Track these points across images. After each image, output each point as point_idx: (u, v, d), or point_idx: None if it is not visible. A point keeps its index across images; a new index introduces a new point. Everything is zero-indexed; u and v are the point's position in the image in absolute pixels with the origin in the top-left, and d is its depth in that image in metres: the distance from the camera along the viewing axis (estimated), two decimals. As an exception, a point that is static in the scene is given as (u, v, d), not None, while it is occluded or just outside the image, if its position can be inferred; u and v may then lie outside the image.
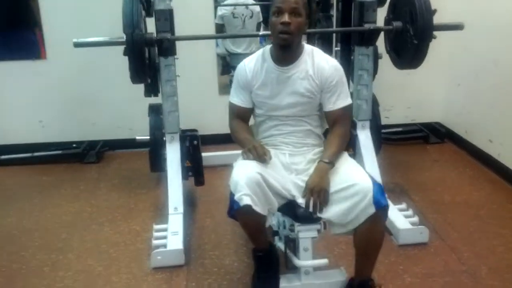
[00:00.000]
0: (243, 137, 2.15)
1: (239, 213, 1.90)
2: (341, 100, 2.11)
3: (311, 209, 1.94)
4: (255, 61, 2.15)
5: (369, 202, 1.87)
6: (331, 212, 1.96)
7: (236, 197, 1.86)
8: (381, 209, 1.89)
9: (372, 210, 1.87)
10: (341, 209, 1.93)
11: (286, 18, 1.97)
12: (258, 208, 1.86)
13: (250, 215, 1.88)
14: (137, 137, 3.35)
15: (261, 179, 1.89)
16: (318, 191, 1.93)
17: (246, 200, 1.84)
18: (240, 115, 2.21)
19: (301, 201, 1.98)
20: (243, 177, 1.87)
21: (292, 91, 2.10)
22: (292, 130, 2.17)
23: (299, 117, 2.16)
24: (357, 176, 1.95)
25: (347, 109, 2.15)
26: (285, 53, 2.07)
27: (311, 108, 2.15)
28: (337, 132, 2.12)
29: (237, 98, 2.19)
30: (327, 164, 2.00)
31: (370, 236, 1.95)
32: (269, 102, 2.15)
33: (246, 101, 2.18)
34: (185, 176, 2.98)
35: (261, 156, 1.97)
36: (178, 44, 2.88)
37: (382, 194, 1.91)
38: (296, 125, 2.17)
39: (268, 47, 2.16)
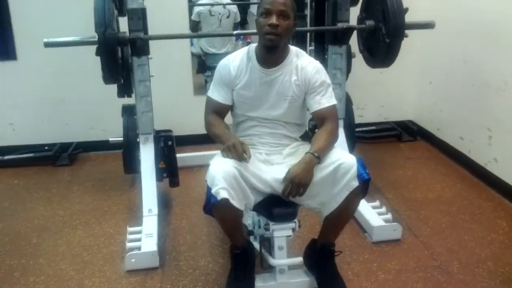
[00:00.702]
0: (221, 132, 2.11)
1: (216, 208, 1.89)
2: (326, 99, 2.10)
3: (286, 198, 1.96)
4: (239, 60, 2.13)
5: (353, 176, 1.91)
6: (315, 198, 2.01)
7: (213, 191, 1.85)
8: (364, 183, 1.93)
9: (355, 183, 1.92)
10: (324, 188, 1.96)
11: (274, 20, 1.96)
12: (235, 202, 1.87)
13: (227, 209, 1.88)
14: (111, 139, 3.31)
15: (238, 173, 1.90)
16: (298, 183, 1.91)
17: (223, 194, 1.83)
18: (218, 111, 2.18)
19: (278, 188, 1.99)
20: (220, 171, 1.87)
21: (274, 94, 2.10)
22: (269, 132, 2.17)
23: (277, 121, 2.15)
24: (339, 154, 1.99)
25: (334, 108, 2.12)
26: (271, 54, 2.06)
27: (292, 112, 2.15)
28: (327, 128, 2.08)
29: (217, 93, 2.16)
30: (315, 158, 1.95)
31: (346, 208, 1.99)
32: (250, 103, 2.14)
33: (226, 98, 2.16)
34: (159, 178, 2.95)
35: (241, 155, 1.95)
36: (152, 43, 2.86)
37: (364, 168, 1.96)
38: (274, 127, 2.17)
39: (253, 46, 2.14)
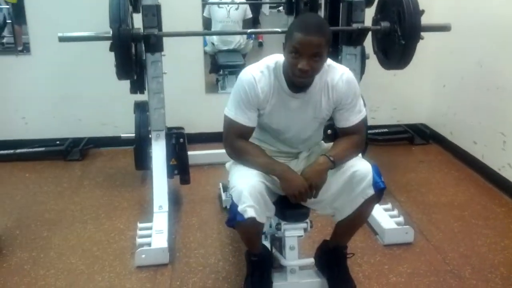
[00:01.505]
0: (263, 161, 1.92)
1: (242, 225, 1.83)
2: (355, 115, 1.96)
3: (299, 201, 1.90)
4: (267, 80, 1.90)
5: (368, 184, 1.88)
6: (330, 205, 1.98)
7: (240, 208, 1.78)
8: (380, 192, 1.90)
9: (371, 192, 1.88)
10: (339, 194, 1.93)
11: (304, 64, 1.75)
12: (260, 218, 1.82)
13: (252, 227, 1.85)
14: (122, 135, 3.31)
15: (264, 188, 1.84)
16: (310, 185, 1.85)
17: (250, 213, 1.77)
18: (244, 135, 1.96)
19: None
20: (247, 186, 1.80)
21: (306, 118, 1.97)
22: (290, 147, 2.09)
23: (301, 142, 2.08)
24: (354, 161, 1.94)
25: (362, 122, 2.00)
26: (301, 86, 1.90)
27: (319, 130, 2.09)
28: (350, 138, 1.97)
29: (242, 116, 1.91)
30: (330, 161, 1.87)
31: (360, 214, 1.96)
32: (276, 128, 2.01)
33: (252, 120, 1.94)
34: (170, 175, 2.95)
35: (310, 197, 1.87)
36: (166, 41, 2.86)
37: (380, 176, 1.91)
38: (296, 144, 2.08)
39: (280, 63, 1.91)
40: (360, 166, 1.90)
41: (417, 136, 4.25)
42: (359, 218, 1.99)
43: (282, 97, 1.92)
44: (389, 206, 2.90)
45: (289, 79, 1.88)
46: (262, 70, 1.91)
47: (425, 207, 3.05)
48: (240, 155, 1.96)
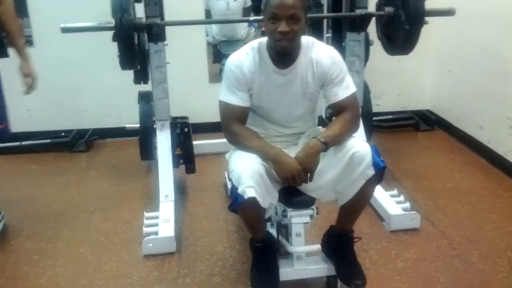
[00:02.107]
0: (258, 144, 1.93)
1: (243, 207, 1.82)
2: (343, 89, 1.97)
3: (294, 185, 1.88)
4: (252, 59, 1.96)
5: (368, 164, 1.87)
6: (332, 190, 1.97)
7: (240, 190, 1.78)
8: (380, 171, 1.89)
9: (371, 172, 1.88)
10: (339, 178, 1.92)
11: (284, 26, 1.81)
12: (261, 201, 1.81)
13: (254, 208, 1.83)
14: (127, 125, 3.31)
15: (264, 170, 1.84)
16: (303, 169, 1.83)
17: (250, 193, 1.77)
18: (240, 116, 1.97)
19: None
20: (247, 169, 1.80)
21: (294, 94, 1.99)
22: (287, 130, 2.10)
23: (293, 120, 2.09)
24: (353, 142, 1.93)
25: (352, 98, 2.00)
26: (285, 57, 1.93)
27: (311, 107, 2.09)
28: (343, 116, 1.97)
29: (235, 97, 1.95)
30: (321, 143, 1.86)
31: (362, 196, 1.95)
32: (267, 107, 2.03)
33: (245, 100, 1.97)
34: (176, 164, 2.96)
35: (306, 180, 1.85)
36: (168, 31, 2.85)
37: (379, 156, 1.90)
38: (292, 124, 2.10)
39: (263, 43, 1.97)
40: (359, 147, 1.89)
41: (423, 122, 4.24)
42: (361, 200, 1.99)
43: (269, 74, 1.96)
44: (395, 192, 2.90)
45: (273, 54, 1.93)
46: (247, 52, 1.98)
47: (431, 193, 3.05)
48: (237, 140, 1.97)
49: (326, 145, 1.87)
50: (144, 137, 3.12)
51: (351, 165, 1.89)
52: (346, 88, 1.99)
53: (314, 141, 1.87)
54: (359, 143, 1.92)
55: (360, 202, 2.01)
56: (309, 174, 1.86)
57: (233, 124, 1.97)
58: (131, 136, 3.58)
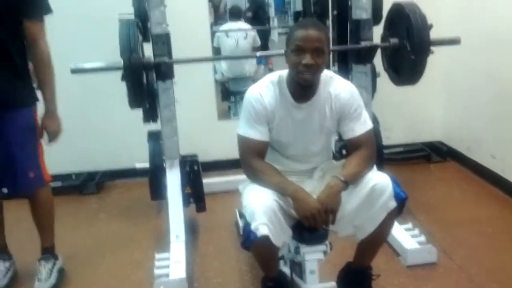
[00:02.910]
0: (278, 180, 1.89)
1: (256, 244, 1.78)
2: (360, 125, 1.97)
3: (317, 227, 1.85)
4: (272, 93, 1.94)
5: (390, 195, 1.83)
6: (351, 224, 1.93)
7: (253, 226, 1.75)
8: (401, 203, 1.86)
9: (393, 204, 1.84)
10: (360, 212, 1.88)
11: (308, 59, 1.80)
12: (274, 239, 1.77)
13: (267, 247, 1.79)
14: (137, 164, 3.31)
15: (277, 207, 1.81)
16: (325, 211, 1.80)
17: (263, 230, 1.74)
18: (259, 151, 1.95)
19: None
20: (260, 205, 1.77)
21: (313, 129, 1.98)
22: (303, 165, 2.09)
23: (310, 156, 2.08)
24: (372, 174, 1.90)
25: (369, 134, 1.99)
26: (305, 90, 1.93)
27: (326, 143, 2.08)
28: (359, 153, 1.94)
29: (254, 131, 1.93)
30: (342, 182, 1.83)
31: (382, 230, 1.91)
32: (286, 141, 2.01)
33: (265, 134, 1.95)
34: (186, 203, 2.93)
35: (326, 222, 1.82)
36: (177, 70, 2.88)
37: (399, 187, 1.87)
38: (308, 160, 2.09)
39: (283, 76, 1.97)
40: (379, 179, 1.86)
41: (434, 153, 4.20)
42: (382, 234, 1.94)
43: (288, 108, 1.95)
44: (409, 225, 2.83)
45: (293, 87, 1.93)
46: (267, 85, 1.97)
47: (447, 225, 2.98)
48: (255, 174, 1.94)
49: (346, 184, 1.85)
50: (153, 177, 3.10)
51: (372, 197, 1.85)
52: (363, 124, 1.97)
53: (334, 180, 1.84)
54: (378, 175, 1.90)
55: (380, 236, 1.96)
56: (331, 216, 1.82)
57: (252, 159, 1.94)
58: (141, 176, 3.56)
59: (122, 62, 2.51)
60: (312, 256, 1.98)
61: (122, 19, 2.71)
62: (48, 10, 2.32)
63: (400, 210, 1.91)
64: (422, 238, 2.68)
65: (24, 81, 2.31)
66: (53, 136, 2.43)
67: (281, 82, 1.96)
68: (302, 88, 1.91)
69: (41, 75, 2.30)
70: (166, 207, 2.95)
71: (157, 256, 2.64)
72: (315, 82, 1.91)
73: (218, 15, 5.90)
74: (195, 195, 2.96)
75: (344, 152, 2.90)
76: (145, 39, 2.96)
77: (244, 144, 1.96)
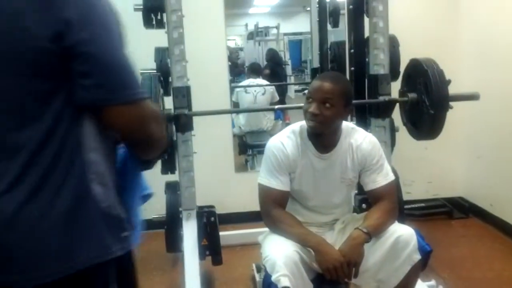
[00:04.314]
0: (299, 231, 1.87)
1: None
2: (382, 177, 1.96)
3: (339, 280, 1.80)
4: (294, 142, 1.97)
5: (414, 248, 1.78)
6: (374, 278, 1.86)
7: (274, 278, 1.71)
8: (426, 255, 1.82)
9: (417, 256, 1.79)
10: (383, 265, 1.83)
11: (314, 108, 1.84)
12: None
13: None
14: (154, 216, 3.29)
15: (299, 258, 1.77)
16: (348, 263, 1.76)
17: (284, 282, 1.70)
18: (280, 201, 1.95)
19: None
20: (281, 256, 1.74)
21: (333, 180, 1.98)
22: (323, 217, 2.06)
23: (331, 208, 2.06)
24: (395, 226, 1.86)
25: (391, 185, 1.98)
26: (321, 140, 1.94)
27: (347, 195, 2.07)
28: (381, 205, 1.93)
29: (276, 181, 1.93)
30: (364, 234, 1.80)
31: (406, 284, 1.85)
32: (306, 191, 2.00)
33: (286, 184, 1.95)
34: (202, 256, 2.88)
35: (349, 276, 1.78)
36: (195, 122, 2.91)
37: (424, 239, 1.83)
38: (329, 212, 2.06)
39: (304, 125, 1.98)
40: (403, 231, 1.82)
41: (456, 209, 4.10)
42: None
43: (310, 158, 1.94)
44: (433, 283, 2.73)
45: (313, 137, 1.93)
46: (288, 135, 1.98)
47: (471, 284, 2.88)
48: (276, 225, 1.92)
49: (369, 236, 1.81)
50: (170, 228, 3.08)
51: (396, 250, 1.80)
52: (385, 175, 1.97)
53: (356, 232, 1.81)
54: (402, 227, 1.87)
55: None
56: (354, 269, 1.78)
57: (273, 209, 1.93)
58: (157, 228, 3.54)
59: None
60: (333, 311, 1.91)
61: (144, 73, 2.78)
62: None
63: (425, 263, 1.85)
64: (446, 297, 2.58)
65: None
66: None
67: (302, 131, 1.98)
68: (314, 136, 1.93)
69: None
70: (182, 259, 2.90)
71: (172, 310, 2.58)
72: (325, 132, 1.92)
73: (237, 72, 6.05)
74: (211, 247, 2.91)
75: (364, 206, 2.86)
76: (166, 92, 3.02)
77: (265, 193, 1.95)
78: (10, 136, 1.01)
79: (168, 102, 2.91)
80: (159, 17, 2.84)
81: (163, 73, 3.01)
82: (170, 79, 2.91)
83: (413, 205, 4.04)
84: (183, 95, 2.77)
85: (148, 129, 1.10)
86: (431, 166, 4.16)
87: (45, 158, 1.00)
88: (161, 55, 3.09)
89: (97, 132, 1.06)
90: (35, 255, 1.01)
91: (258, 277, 2.85)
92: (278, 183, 1.94)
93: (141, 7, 2.81)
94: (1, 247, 0.99)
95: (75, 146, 1.03)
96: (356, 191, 2.89)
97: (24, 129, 1.00)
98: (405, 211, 3.29)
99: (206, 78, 3.70)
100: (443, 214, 4.08)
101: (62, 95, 1.01)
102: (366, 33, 3.04)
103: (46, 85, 1.01)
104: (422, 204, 4.13)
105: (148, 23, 2.86)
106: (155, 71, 3.03)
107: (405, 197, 3.38)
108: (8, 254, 1.00)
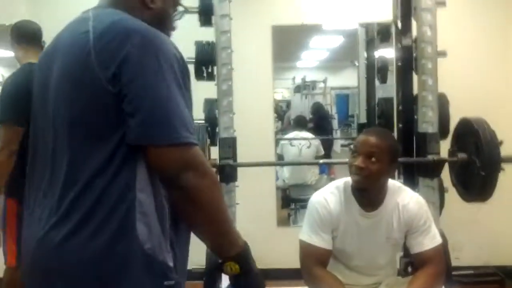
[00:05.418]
0: None
1: None
2: (429, 239, 1.91)
3: None
4: (337, 199, 1.94)
5: None
6: None
7: None
8: None
9: None
10: None
11: (360, 162, 1.81)
12: None
13: None
14: (193, 267, 3.27)
15: None
16: None
17: None
18: (322, 259, 1.92)
19: None
20: None
21: (378, 240, 1.92)
22: (368, 279, 2.00)
23: (375, 269, 2.00)
24: None
25: (438, 249, 1.92)
26: (365, 196, 1.90)
27: (392, 256, 2.01)
28: (428, 270, 1.87)
29: (317, 238, 1.90)
30: None
31: None
32: (350, 251, 1.95)
33: (328, 242, 1.92)
34: (241, 312, 2.80)
35: None
36: (239, 173, 2.93)
37: None
38: (373, 273, 2.00)
39: (348, 182, 1.96)
40: None
41: (508, 279, 3.87)
42: None
43: (354, 215, 1.89)
44: None
45: (358, 195, 1.88)
46: (332, 191, 1.95)
47: None
48: (316, 284, 1.87)
49: None
50: (209, 279, 3.04)
51: None
52: (432, 238, 1.91)
53: None
54: None
55: None
56: None
57: (314, 267, 1.89)
58: (196, 279, 3.50)
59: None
60: None
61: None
62: None
63: None
64: None
65: None
66: None
67: (347, 188, 1.94)
68: (358, 192, 1.88)
69: None
70: (219, 313, 2.84)
71: None
72: (369, 188, 1.87)
73: (283, 125, 6.10)
74: (250, 303, 2.84)
75: (410, 270, 2.74)
76: (213, 143, 3.07)
77: (306, 250, 1.92)
78: (67, 172, 1.07)
79: (214, 152, 2.95)
80: (209, 69, 2.93)
81: (211, 123, 3.07)
82: (217, 130, 2.97)
83: (461, 272, 3.83)
84: (229, 145, 2.80)
85: (192, 177, 1.09)
86: (483, 231, 3.98)
87: (92, 194, 1.05)
88: (210, 106, 3.17)
89: (148, 175, 1.09)
90: (73, 285, 1.07)
91: (297, 337, 2.75)
92: (320, 241, 1.91)
93: (193, 60, 2.92)
94: (47, 272, 1.08)
95: (124, 184, 1.06)
96: (401, 253, 2.79)
97: (80, 165, 1.06)
98: (453, 277, 3.13)
99: (252, 129, 3.75)
100: (494, 284, 3.87)
101: (117, 135, 1.06)
102: (415, 90, 3.01)
103: (102, 124, 1.07)
104: (472, 271, 3.92)
105: (199, 75, 2.96)
106: (203, 121, 3.10)
107: (454, 262, 3.21)
108: (53, 279, 1.08)
